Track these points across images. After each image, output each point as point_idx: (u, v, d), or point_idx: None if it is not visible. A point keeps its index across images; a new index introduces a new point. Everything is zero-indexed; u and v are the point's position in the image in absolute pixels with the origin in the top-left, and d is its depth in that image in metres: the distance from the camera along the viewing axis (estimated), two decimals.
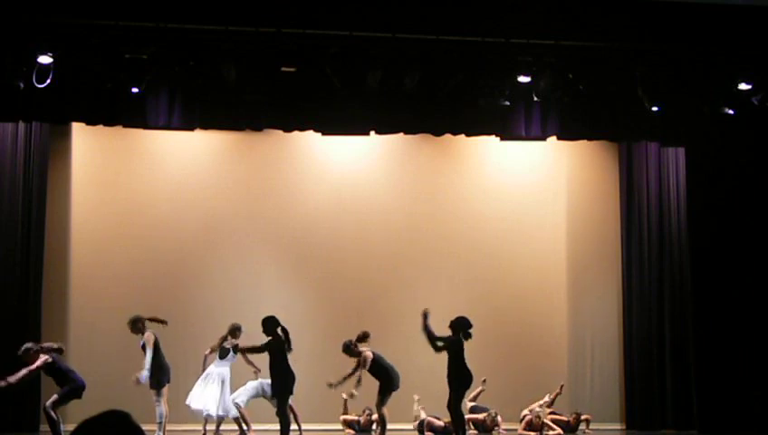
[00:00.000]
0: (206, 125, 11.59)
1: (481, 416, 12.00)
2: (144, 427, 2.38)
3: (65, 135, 12.71)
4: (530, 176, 13.63)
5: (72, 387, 9.98)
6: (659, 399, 12.75)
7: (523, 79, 10.27)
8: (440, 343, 10.17)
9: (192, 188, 13.04)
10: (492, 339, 13.06)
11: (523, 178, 13.62)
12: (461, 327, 10.23)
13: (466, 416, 11.39)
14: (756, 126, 11.39)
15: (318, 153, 13.26)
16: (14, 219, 11.98)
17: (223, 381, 10.92)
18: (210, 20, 9.59)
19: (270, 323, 10.08)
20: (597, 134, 12.23)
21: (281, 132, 12.11)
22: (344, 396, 11.69)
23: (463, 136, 11.75)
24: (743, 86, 10.44)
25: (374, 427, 11.40)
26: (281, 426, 10.18)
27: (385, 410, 10.73)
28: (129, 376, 10.36)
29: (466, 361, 10.22)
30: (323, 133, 11.48)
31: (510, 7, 9.76)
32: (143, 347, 10.43)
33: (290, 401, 10.45)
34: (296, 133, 12.06)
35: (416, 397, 12.01)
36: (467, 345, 10.25)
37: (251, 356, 10.92)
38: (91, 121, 11.18)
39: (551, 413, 12.32)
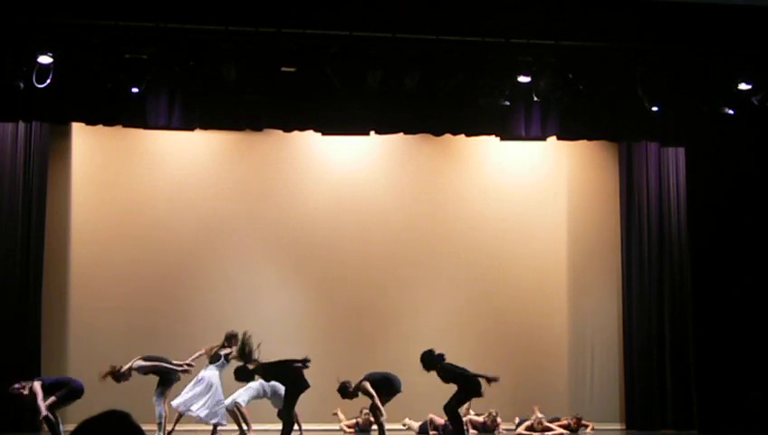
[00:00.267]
0: (206, 125, 11.58)
1: (480, 416, 12.01)
2: (144, 427, 2.38)
3: (65, 135, 12.71)
4: (530, 176, 13.62)
5: (69, 389, 10.02)
6: (659, 399, 12.75)
7: (523, 79, 10.26)
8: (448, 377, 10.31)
9: (192, 188, 13.04)
10: (492, 339, 13.08)
11: (523, 178, 13.62)
12: (430, 363, 10.32)
13: (465, 417, 11.40)
14: (756, 126, 11.38)
15: (318, 153, 13.26)
16: (14, 219, 11.98)
17: (211, 385, 10.86)
18: (210, 20, 9.58)
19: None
20: (597, 134, 12.23)
21: (281, 132, 12.11)
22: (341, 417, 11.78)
23: (463, 136, 11.74)
24: (743, 86, 10.43)
25: (374, 427, 11.40)
26: (283, 426, 10.18)
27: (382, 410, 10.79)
28: None
29: (469, 369, 10.29)
30: (323, 133, 11.48)
31: (510, 7, 9.76)
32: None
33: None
34: (296, 133, 12.05)
35: (406, 422, 12.05)
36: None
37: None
38: (90, 121, 11.18)
39: (550, 420, 12.33)
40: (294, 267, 13.18)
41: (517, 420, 12.33)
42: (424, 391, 11.54)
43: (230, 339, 10.97)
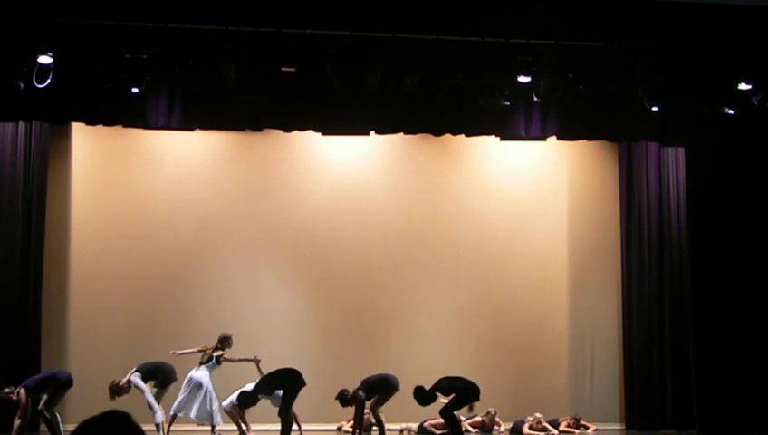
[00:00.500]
0: (206, 125, 11.58)
1: (479, 417, 12.00)
2: (144, 427, 2.38)
3: (65, 135, 12.71)
4: (530, 176, 13.62)
5: (57, 384, 10.02)
6: (659, 399, 12.75)
7: (523, 79, 10.26)
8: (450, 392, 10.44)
9: (192, 188, 13.03)
10: (492, 339, 13.08)
11: (523, 178, 13.61)
12: (424, 399, 10.46)
13: (464, 419, 11.43)
14: (756, 126, 11.39)
15: (318, 153, 13.26)
16: (14, 219, 11.98)
17: (200, 386, 10.86)
18: (210, 20, 9.58)
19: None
20: (597, 134, 12.24)
21: (281, 132, 12.11)
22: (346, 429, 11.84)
23: (463, 136, 11.74)
24: (743, 86, 10.43)
25: (374, 428, 11.40)
26: (282, 426, 10.19)
27: (380, 411, 10.80)
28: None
29: (466, 377, 10.33)
30: (323, 133, 11.47)
31: (510, 7, 9.75)
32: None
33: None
34: (296, 133, 12.05)
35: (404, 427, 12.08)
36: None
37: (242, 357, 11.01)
38: (90, 121, 11.18)
39: (550, 422, 12.32)
40: (294, 267, 13.17)
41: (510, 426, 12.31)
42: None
43: (223, 341, 11.01)
